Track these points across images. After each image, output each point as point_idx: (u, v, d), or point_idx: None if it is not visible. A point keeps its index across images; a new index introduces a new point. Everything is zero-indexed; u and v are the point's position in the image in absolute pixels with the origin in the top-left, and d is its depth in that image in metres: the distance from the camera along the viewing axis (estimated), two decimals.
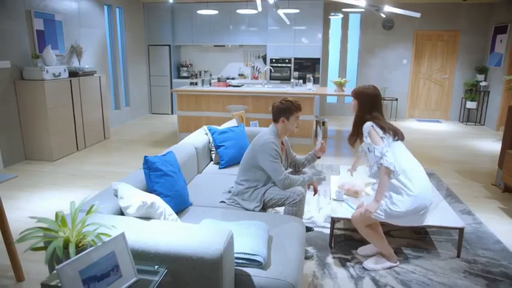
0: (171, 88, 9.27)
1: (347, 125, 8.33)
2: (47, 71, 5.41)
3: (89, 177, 4.89)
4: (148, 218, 2.06)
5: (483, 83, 8.26)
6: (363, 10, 4.33)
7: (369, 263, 2.84)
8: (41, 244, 1.61)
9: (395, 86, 9.03)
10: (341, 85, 6.56)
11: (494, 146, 6.63)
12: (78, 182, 4.71)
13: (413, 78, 9.03)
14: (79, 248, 1.56)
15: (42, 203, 4.03)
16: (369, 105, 2.70)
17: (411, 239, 3.27)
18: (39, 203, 4.01)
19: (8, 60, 5.18)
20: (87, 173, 5.04)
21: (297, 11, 6.84)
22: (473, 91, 8.55)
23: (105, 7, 7.60)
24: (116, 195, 2.24)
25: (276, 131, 2.88)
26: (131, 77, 8.67)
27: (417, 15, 3.25)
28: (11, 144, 5.28)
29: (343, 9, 3.99)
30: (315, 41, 8.45)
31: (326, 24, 8.70)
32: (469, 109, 8.69)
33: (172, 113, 9.41)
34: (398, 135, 2.68)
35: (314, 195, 3.07)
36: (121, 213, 2.20)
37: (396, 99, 8.91)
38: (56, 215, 1.65)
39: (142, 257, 1.76)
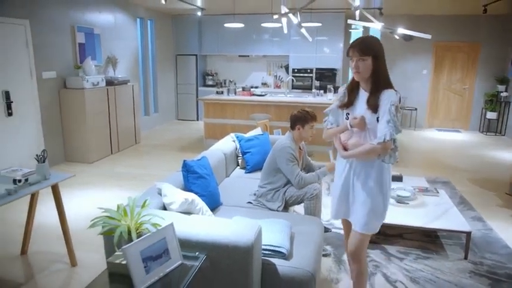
0: (197, 96, 9.72)
1: None
2: (87, 80, 5.90)
3: (122, 178, 5.33)
4: (188, 213, 2.41)
5: (504, 94, 8.35)
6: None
7: None
8: (103, 230, 1.98)
9: (414, 96, 9.21)
10: None
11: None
12: (113, 182, 5.14)
13: (432, 89, 9.18)
14: (137, 234, 1.92)
15: (83, 199, 4.47)
16: (385, 63, 2.18)
17: (422, 241, 3.52)
18: (81, 200, 4.45)
19: (54, 70, 5.71)
20: (120, 175, 5.48)
21: (319, 24, 7.16)
22: (494, 101, 8.65)
23: (138, 20, 8.12)
24: (160, 193, 2.61)
25: (293, 137, 3.24)
26: (160, 85, 9.16)
27: (428, 36, 3.52)
28: (53, 147, 5.78)
29: (363, 25, 4.29)
30: (336, 52, 8.74)
31: (347, 34, 8.98)
32: (489, 119, 8.78)
33: (198, 120, 9.85)
34: None
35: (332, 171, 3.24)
36: (164, 208, 2.56)
37: (416, 109, 9.08)
38: (118, 206, 2.03)
39: (185, 244, 2.10)
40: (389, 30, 3.96)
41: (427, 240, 3.54)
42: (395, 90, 2.10)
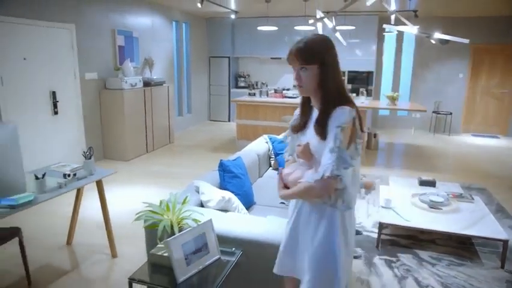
0: (229, 97, 9.89)
1: (399, 138, 8.46)
2: (126, 82, 6.16)
3: (159, 176, 5.53)
4: (224, 211, 2.52)
5: None
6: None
7: None
8: (148, 223, 2.12)
9: (449, 100, 8.99)
10: (393, 99, 6.76)
11: None
12: (148, 179, 5.35)
13: (469, 93, 8.93)
14: (179, 228, 2.04)
15: (123, 195, 4.68)
16: (338, 71, 1.65)
17: (455, 247, 3.48)
18: (121, 195, 4.66)
19: (95, 72, 6.00)
20: (155, 172, 5.68)
21: (352, 27, 7.14)
22: None
23: (173, 23, 8.37)
24: (197, 191, 2.73)
25: None
26: (193, 86, 9.39)
27: (466, 41, 3.47)
28: (93, 144, 6.06)
29: (396, 29, 4.26)
30: (369, 55, 8.67)
31: (380, 37, 8.89)
32: None
33: (229, 121, 10.02)
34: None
35: (367, 190, 3.29)
36: (201, 205, 2.68)
37: (451, 114, 8.86)
38: (160, 202, 2.16)
39: (222, 240, 2.21)
40: (425, 35, 3.92)
41: (461, 247, 3.49)
42: (351, 107, 1.57)
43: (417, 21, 6.57)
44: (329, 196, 1.59)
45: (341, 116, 1.53)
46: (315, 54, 1.57)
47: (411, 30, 3.91)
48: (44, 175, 2.62)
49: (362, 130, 1.62)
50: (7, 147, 2.32)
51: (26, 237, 2.83)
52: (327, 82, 1.59)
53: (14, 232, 2.69)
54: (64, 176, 2.79)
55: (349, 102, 1.59)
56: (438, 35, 3.66)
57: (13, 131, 2.37)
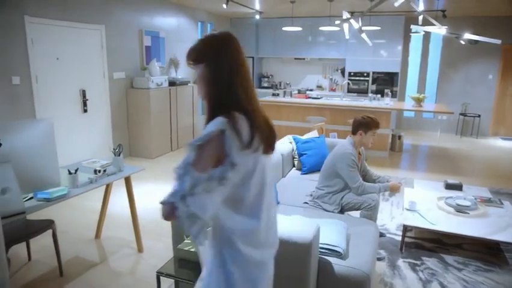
0: None
1: (424, 140, 8.30)
2: (152, 81, 6.29)
3: None
4: None
5: None
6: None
7: None
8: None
9: (478, 102, 8.75)
10: (419, 101, 6.65)
11: None
12: (173, 177, 5.44)
13: (499, 94, 8.68)
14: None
15: (149, 191, 4.79)
16: (233, 71, 1.31)
17: (483, 253, 3.40)
18: (147, 192, 4.77)
19: (123, 71, 6.16)
20: None
21: (378, 28, 7.07)
22: None
23: (199, 23, 8.49)
24: None
25: (353, 143, 3.25)
26: None
27: (498, 41, 3.39)
28: (120, 142, 6.22)
29: (424, 30, 4.19)
30: (394, 55, 8.55)
31: (406, 38, 8.75)
32: None
33: None
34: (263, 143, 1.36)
35: (391, 193, 3.24)
36: None
37: (479, 116, 8.63)
38: None
39: None
40: (454, 35, 3.85)
41: (489, 253, 3.41)
42: (229, 118, 1.23)
43: (445, 21, 6.44)
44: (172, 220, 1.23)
45: (209, 127, 1.23)
46: (201, 51, 1.33)
47: (439, 31, 3.84)
48: (76, 170, 2.73)
49: (268, 149, 1.35)
50: (44, 142, 2.43)
51: (57, 230, 2.94)
52: (211, 85, 1.31)
53: (48, 224, 2.81)
54: (95, 171, 2.90)
55: (226, 112, 1.25)
56: (468, 36, 3.57)
57: (49, 127, 2.47)
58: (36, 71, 4.69)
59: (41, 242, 3.26)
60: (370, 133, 3.20)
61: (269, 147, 1.37)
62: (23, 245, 3.11)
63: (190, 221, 1.17)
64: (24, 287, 2.82)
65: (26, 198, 2.42)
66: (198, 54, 1.33)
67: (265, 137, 1.34)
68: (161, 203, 1.19)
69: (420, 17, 4.29)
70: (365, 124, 3.19)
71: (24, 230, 2.73)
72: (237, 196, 1.30)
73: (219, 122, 1.22)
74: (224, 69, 1.29)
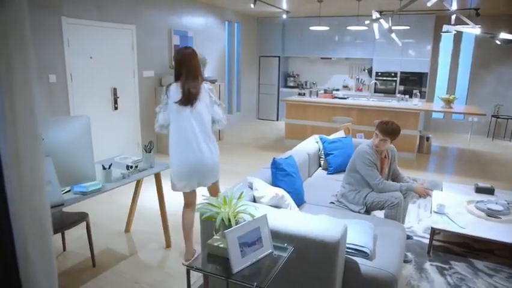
0: (278, 96, 9.96)
1: (453, 142, 8.10)
2: None
3: None
4: (277, 207, 2.59)
5: None
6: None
7: None
8: (206, 215, 2.23)
9: (511, 104, 8.46)
10: (449, 102, 6.50)
11: None
12: None
13: None
14: (235, 221, 2.13)
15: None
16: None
17: None
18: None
19: (152, 70, 6.31)
20: None
21: (407, 27, 6.94)
22: None
23: (226, 23, 8.58)
24: (251, 187, 2.82)
25: (372, 143, 3.28)
26: (243, 85, 9.56)
27: None
28: (147, 139, 6.35)
29: (456, 30, 4.09)
30: (423, 55, 8.37)
31: (436, 37, 8.55)
32: None
33: (277, 120, 10.09)
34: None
35: (421, 197, 3.24)
36: (253, 201, 2.76)
37: None
38: (218, 196, 2.26)
39: (274, 235, 2.28)
40: (489, 35, 3.74)
41: None
42: (175, 83, 3.37)
43: (478, 20, 6.25)
44: None
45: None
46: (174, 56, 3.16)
47: (473, 30, 3.73)
48: (110, 166, 2.83)
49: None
50: (81, 138, 2.54)
51: (90, 222, 3.06)
52: (175, 70, 3.33)
53: (82, 217, 2.93)
54: (127, 167, 3.00)
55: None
56: (504, 35, 3.46)
57: (86, 124, 2.58)
58: (71, 69, 4.87)
59: (75, 234, 3.40)
60: (379, 136, 3.22)
61: (186, 102, 3.02)
62: (59, 235, 3.25)
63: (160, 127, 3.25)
64: (60, 276, 2.94)
65: (64, 191, 2.53)
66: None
67: (185, 96, 3.00)
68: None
69: (453, 16, 4.19)
70: (379, 127, 3.23)
71: (60, 221, 2.85)
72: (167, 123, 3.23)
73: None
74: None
